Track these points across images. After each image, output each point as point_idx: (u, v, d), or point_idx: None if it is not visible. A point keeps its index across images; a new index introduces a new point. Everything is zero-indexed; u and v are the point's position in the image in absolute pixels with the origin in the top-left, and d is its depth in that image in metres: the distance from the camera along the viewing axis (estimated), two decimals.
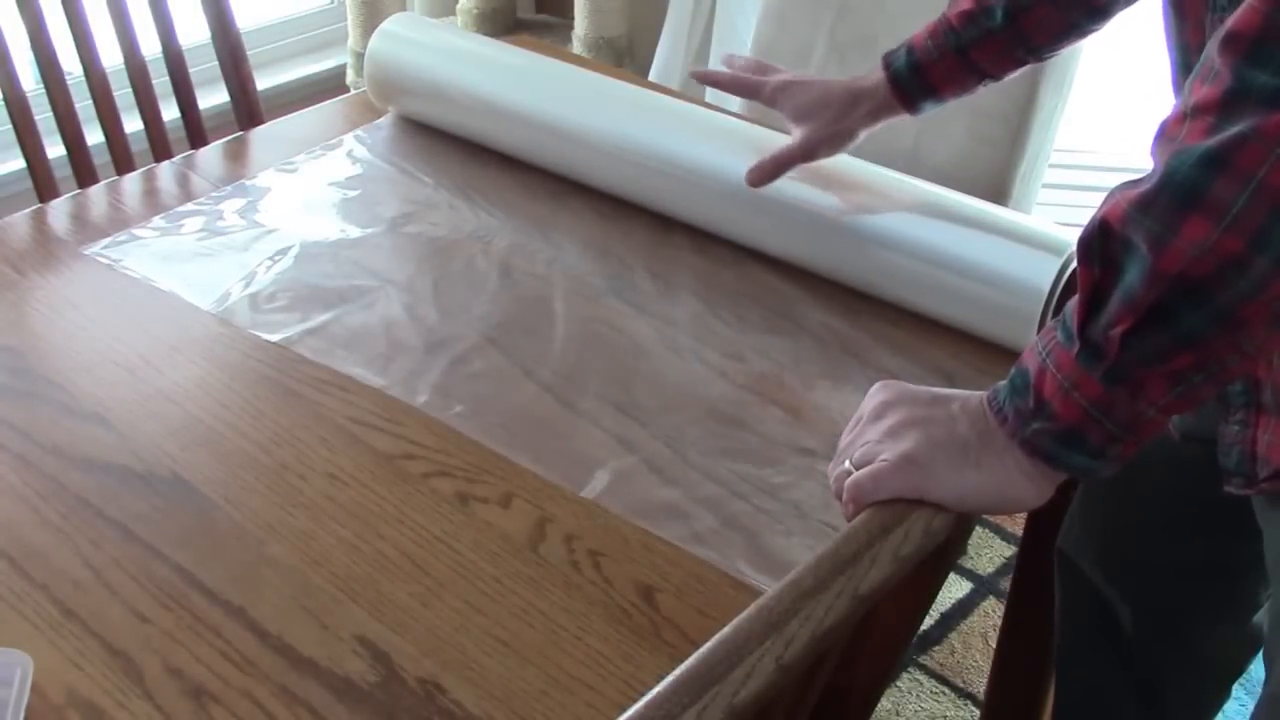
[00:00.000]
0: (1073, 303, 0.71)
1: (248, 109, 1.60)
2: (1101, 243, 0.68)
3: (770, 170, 1.18)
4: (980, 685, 1.71)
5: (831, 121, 1.16)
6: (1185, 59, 0.81)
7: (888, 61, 1.13)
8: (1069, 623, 1.22)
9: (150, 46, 1.50)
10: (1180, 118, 0.66)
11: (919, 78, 1.12)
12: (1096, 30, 1.08)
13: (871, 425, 0.81)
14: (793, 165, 1.18)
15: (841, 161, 1.26)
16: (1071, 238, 1.13)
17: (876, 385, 0.83)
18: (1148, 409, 0.69)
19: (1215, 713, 1.23)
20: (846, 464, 0.80)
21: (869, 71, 1.16)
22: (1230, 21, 0.64)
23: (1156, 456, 0.89)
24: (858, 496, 0.77)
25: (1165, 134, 0.67)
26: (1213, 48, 0.65)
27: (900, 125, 1.17)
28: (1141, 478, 0.99)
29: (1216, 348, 0.67)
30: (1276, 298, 0.64)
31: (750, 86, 1.23)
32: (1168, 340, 0.66)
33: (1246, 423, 0.84)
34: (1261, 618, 1.12)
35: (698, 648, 0.62)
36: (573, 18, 2.27)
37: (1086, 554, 1.17)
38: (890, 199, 1.19)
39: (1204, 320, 0.65)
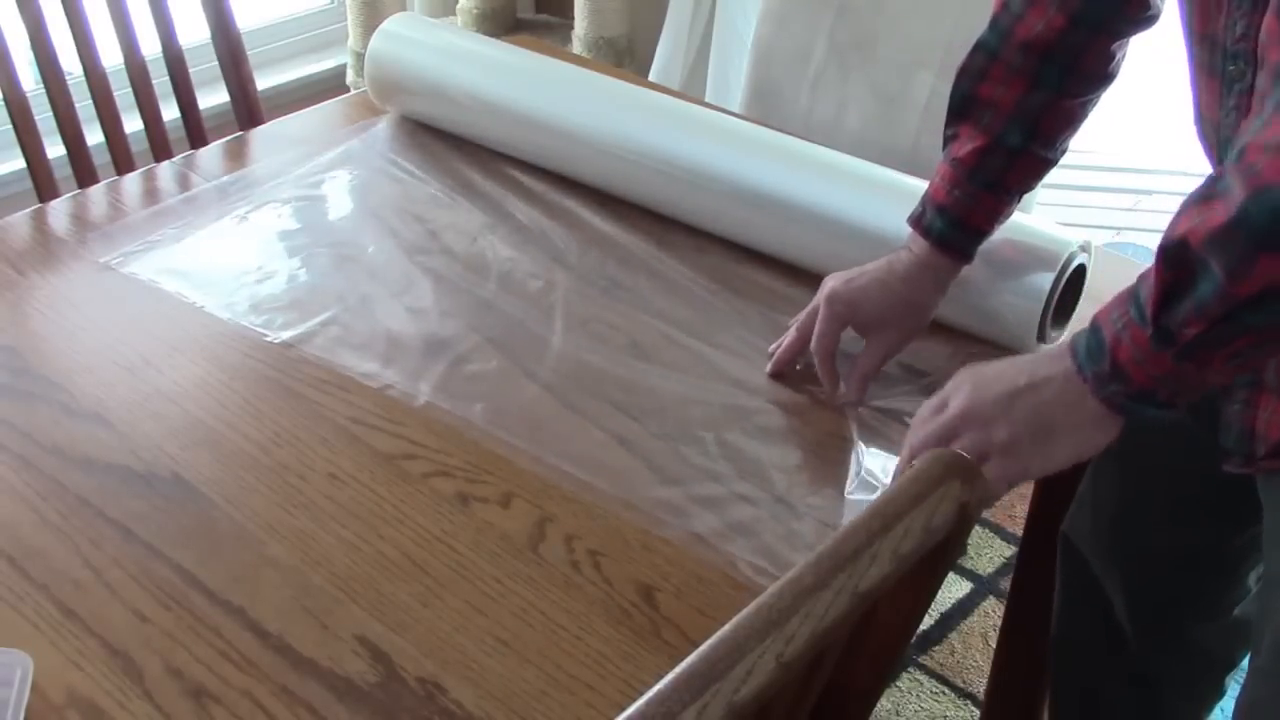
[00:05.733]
0: (1147, 285, 0.77)
1: (248, 109, 1.60)
2: (1179, 254, 0.75)
3: (861, 386, 1.09)
4: (980, 685, 1.71)
5: (903, 318, 1.09)
6: (1224, 65, 0.84)
7: (924, 229, 1.07)
8: (1066, 611, 1.23)
9: (150, 46, 1.50)
10: (1259, 148, 0.71)
11: (965, 229, 1.06)
12: (1101, 96, 1.05)
13: (966, 418, 0.87)
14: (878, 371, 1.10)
15: (842, 161, 1.26)
16: (1072, 238, 1.13)
17: (961, 376, 0.90)
18: (1211, 375, 0.78)
19: (1211, 707, 1.24)
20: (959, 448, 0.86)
21: (904, 246, 1.09)
22: None
23: (1162, 437, 0.98)
24: (994, 496, 0.87)
25: (1246, 157, 0.72)
26: None
27: (900, 125, 1.16)
28: (1148, 458, 1.06)
29: (1273, 333, 0.75)
30: None
31: (809, 337, 1.10)
32: (1233, 332, 0.74)
33: (1249, 402, 0.88)
34: (1247, 609, 1.12)
35: (698, 647, 0.62)
36: (573, 18, 2.27)
37: (1087, 538, 1.18)
38: (891, 199, 1.18)
39: (1266, 318, 0.73)
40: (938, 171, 1.08)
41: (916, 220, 1.08)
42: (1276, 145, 0.70)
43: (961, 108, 1.05)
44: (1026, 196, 1.10)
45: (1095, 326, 0.82)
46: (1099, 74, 1.02)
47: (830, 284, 1.10)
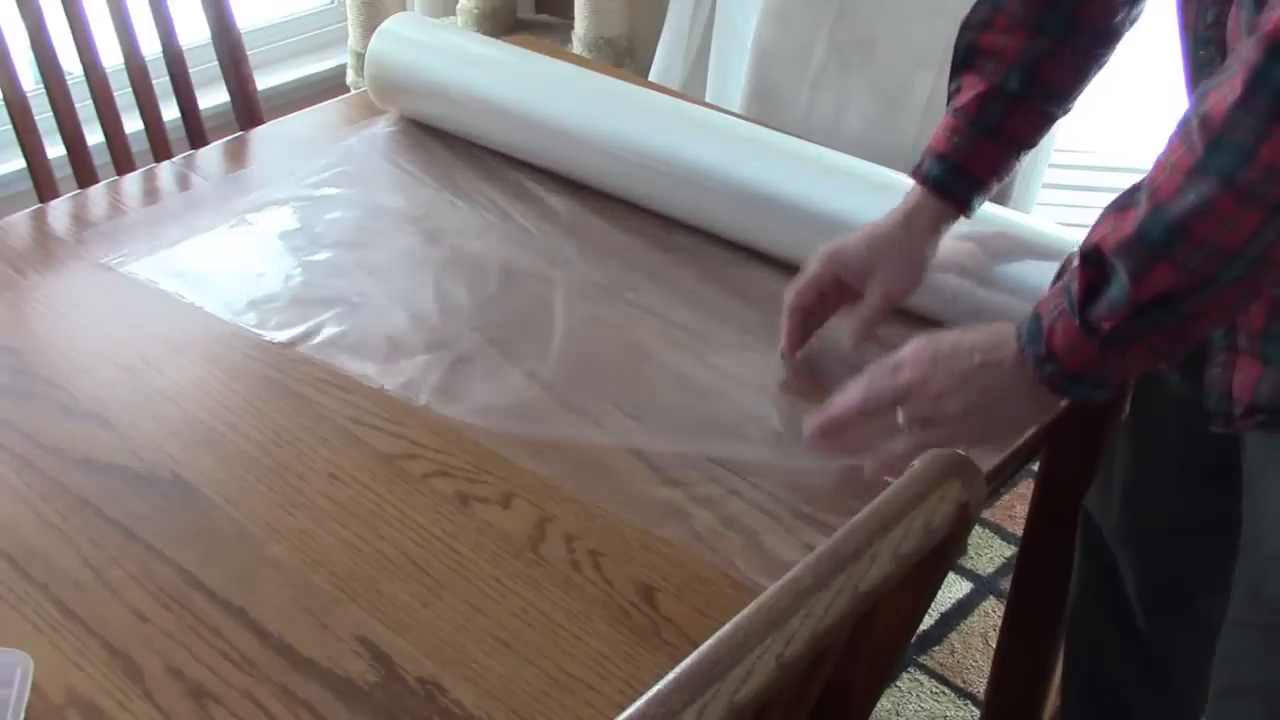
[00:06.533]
0: (1075, 281, 0.85)
1: (248, 109, 1.60)
2: (1095, 257, 0.83)
3: (863, 332, 1.10)
4: (980, 685, 1.71)
5: (895, 260, 1.08)
6: (1195, 50, 0.89)
7: (922, 176, 1.08)
8: (1080, 589, 1.25)
9: (150, 46, 1.50)
10: (1160, 166, 0.79)
11: (962, 176, 1.07)
12: (1108, 57, 1.07)
13: (919, 387, 0.93)
14: (882, 320, 1.10)
15: (842, 161, 1.26)
16: (1072, 238, 1.13)
17: (918, 346, 0.95)
18: (1132, 363, 0.88)
19: None
20: (900, 417, 0.94)
21: (903, 199, 1.10)
22: (1206, 99, 0.76)
23: (1171, 406, 1.06)
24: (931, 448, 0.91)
25: (1151, 173, 0.80)
26: (1193, 114, 0.77)
27: (900, 125, 1.16)
28: (1160, 428, 1.11)
29: (1184, 330, 0.84)
30: (1228, 302, 0.81)
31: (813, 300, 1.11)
32: (1145, 328, 0.83)
33: (1226, 365, 0.94)
34: None
35: (698, 647, 0.62)
36: (573, 18, 2.27)
37: (1104, 511, 1.19)
38: (891, 199, 1.18)
39: (1171, 316, 0.82)
40: (939, 125, 1.09)
41: (915, 170, 1.09)
42: (1173, 164, 0.78)
43: (965, 60, 1.07)
44: (1027, 196, 1.10)
45: (1036, 314, 0.89)
46: (1101, 27, 1.04)
47: (820, 246, 1.11)
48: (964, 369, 0.92)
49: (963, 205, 1.09)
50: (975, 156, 1.07)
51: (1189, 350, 0.88)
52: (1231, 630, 1.00)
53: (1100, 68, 1.07)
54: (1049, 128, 1.09)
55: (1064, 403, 0.94)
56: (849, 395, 0.98)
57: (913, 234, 1.08)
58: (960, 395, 0.92)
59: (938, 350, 0.94)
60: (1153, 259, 0.79)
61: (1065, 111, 1.08)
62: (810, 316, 1.12)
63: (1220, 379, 0.94)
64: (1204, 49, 0.88)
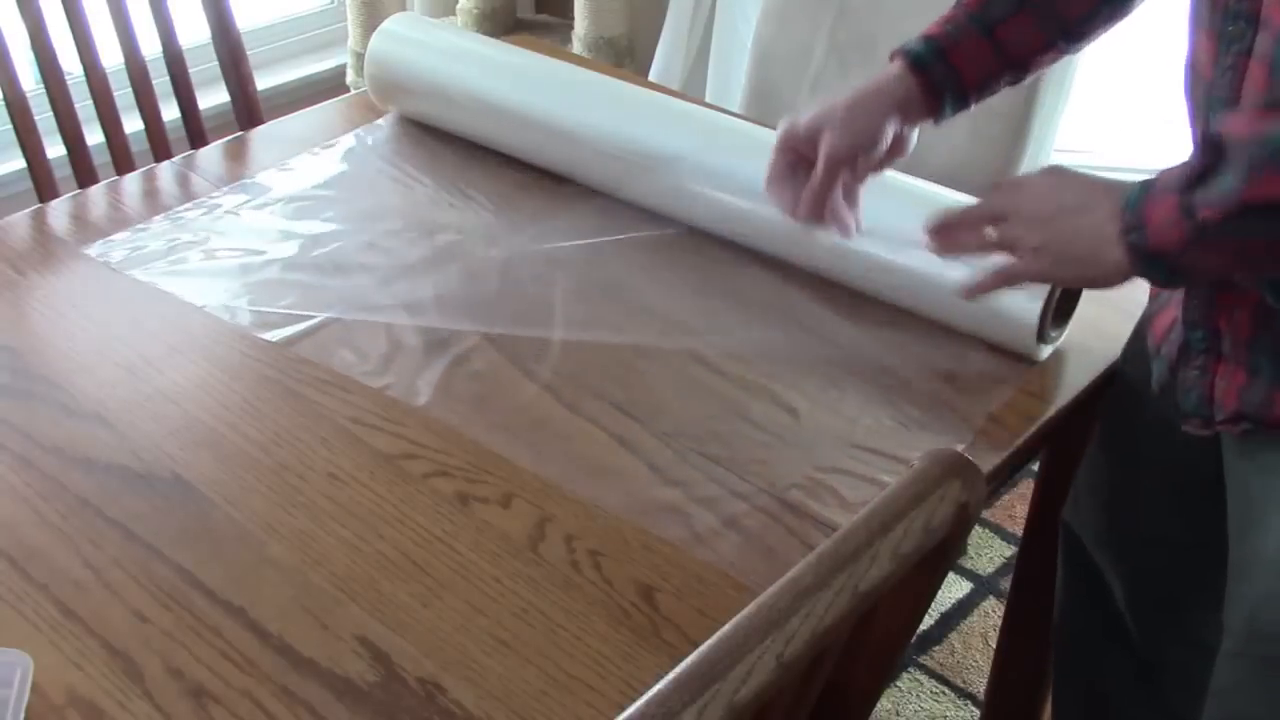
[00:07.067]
0: (1194, 159, 0.82)
1: (248, 109, 1.60)
2: (1218, 143, 0.81)
3: (809, 201, 1.06)
4: (980, 685, 1.71)
5: (844, 122, 1.03)
6: (1224, 25, 0.87)
7: (902, 51, 1.04)
8: (1067, 600, 1.24)
9: (150, 46, 1.50)
10: None
11: (942, 60, 1.02)
12: (1125, 13, 1.04)
13: (1019, 210, 0.94)
14: (829, 187, 1.05)
15: None
16: None
17: (1045, 173, 0.94)
18: (1211, 264, 0.85)
19: None
20: (992, 232, 0.96)
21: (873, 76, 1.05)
22: None
23: (1157, 423, 1.03)
24: (1009, 279, 0.97)
25: None
26: None
27: None
28: (1145, 445, 1.10)
29: (1274, 249, 0.81)
30: None
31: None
32: (1241, 233, 0.81)
33: (1205, 369, 0.94)
34: None
35: (698, 647, 0.62)
36: (573, 18, 2.27)
37: (1087, 525, 1.18)
38: (890, 199, 1.18)
39: (1271, 233, 0.80)
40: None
41: (896, 49, 1.05)
42: None
43: None
44: None
45: (1153, 179, 0.86)
46: None
47: None
48: (1061, 206, 0.91)
49: (934, 95, 1.03)
50: (962, 48, 1.02)
51: (1261, 275, 0.88)
52: (1225, 661, 0.99)
53: (1113, 18, 1.04)
54: (1047, 58, 1.05)
55: (1129, 282, 0.91)
56: (971, 204, 0.98)
57: (867, 100, 1.03)
58: (1045, 230, 0.91)
59: (1054, 181, 0.93)
60: (1269, 165, 0.77)
61: (1069, 49, 1.04)
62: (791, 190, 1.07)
63: (1198, 381, 0.94)
64: (1233, 24, 0.86)
